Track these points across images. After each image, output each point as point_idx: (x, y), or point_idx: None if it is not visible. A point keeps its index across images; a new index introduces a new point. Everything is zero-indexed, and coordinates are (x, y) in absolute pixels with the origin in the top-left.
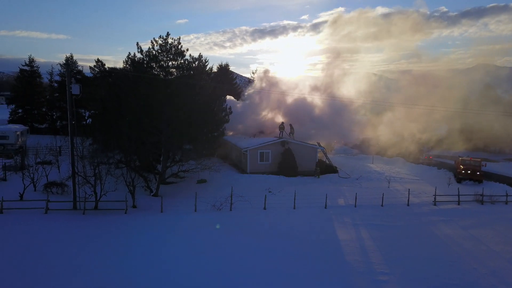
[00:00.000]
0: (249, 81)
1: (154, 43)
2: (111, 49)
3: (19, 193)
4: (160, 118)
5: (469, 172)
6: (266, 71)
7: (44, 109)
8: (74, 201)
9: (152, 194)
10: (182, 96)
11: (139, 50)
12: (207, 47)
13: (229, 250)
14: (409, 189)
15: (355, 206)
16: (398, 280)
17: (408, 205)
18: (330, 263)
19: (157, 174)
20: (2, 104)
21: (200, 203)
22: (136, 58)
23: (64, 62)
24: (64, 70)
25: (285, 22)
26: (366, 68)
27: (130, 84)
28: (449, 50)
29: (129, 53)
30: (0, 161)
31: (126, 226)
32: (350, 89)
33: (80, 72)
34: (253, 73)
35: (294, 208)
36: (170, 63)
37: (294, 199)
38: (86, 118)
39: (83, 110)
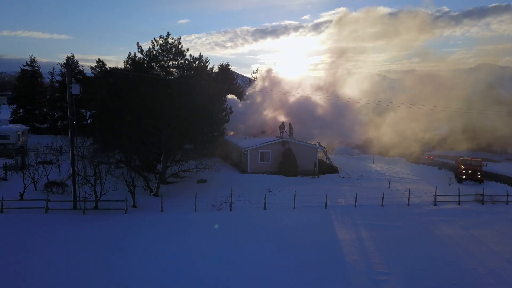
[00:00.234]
0: (250, 81)
1: (155, 43)
2: (113, 49)
3: (20, 192)
4: (160, 118)
5: (469, 172)
6: (269, 70)
7: (45, 109)
8: (74, 200)
9: (152, 193)
10: (183, 96)
11: (139, 50)
12: (209, 47)
13: (229, 250)
14: (409, 189)
15: (355, 206)
16: (397, 280)
17: (408, 205)
18: (330, 263)
19: (157, 173)
20: (3, 104)
21: (200, 203)
22: (136, 58)
23: (65, 62)
24: (65, 70)
25: (287, 22)
26: (368, 67)
27: (130, 84)
28: (451, 50)
29: (130, 53)
30: (1, 161)
31: (126, 226)
32: (353, 89)
33: (81, 72)
34: (254, 73)
35: (294, 208)
36: (170, 63)
37: (294, 199)
38: (87, 118)
39: (84, 110)
